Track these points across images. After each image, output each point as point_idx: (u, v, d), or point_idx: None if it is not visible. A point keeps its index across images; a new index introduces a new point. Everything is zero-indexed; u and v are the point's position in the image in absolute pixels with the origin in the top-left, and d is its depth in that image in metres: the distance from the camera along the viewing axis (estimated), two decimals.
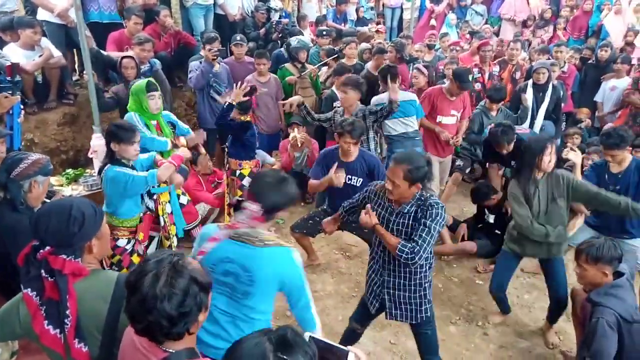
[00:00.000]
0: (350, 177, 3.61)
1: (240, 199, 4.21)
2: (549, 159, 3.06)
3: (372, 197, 2.66)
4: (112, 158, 3.04)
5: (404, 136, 4.63)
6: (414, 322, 2.66)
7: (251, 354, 1.13)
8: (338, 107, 4.48)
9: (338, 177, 3.39)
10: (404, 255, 2.36)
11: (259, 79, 5.37)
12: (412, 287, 2.56)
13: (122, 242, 3.20)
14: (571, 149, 3.63)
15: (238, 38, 5.75)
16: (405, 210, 2.44)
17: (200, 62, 5.18)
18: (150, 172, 3.08)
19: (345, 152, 3.58)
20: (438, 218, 2.37)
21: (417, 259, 2.36)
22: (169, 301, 1.28)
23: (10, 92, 3.30)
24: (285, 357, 1.12)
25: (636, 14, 8.18)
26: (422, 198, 2.42)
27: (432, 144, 4.87)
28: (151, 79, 3.84)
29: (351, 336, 2.98)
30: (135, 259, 3.29)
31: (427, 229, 2.36)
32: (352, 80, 4.29)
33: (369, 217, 2.48)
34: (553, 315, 3.49)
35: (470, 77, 4.55)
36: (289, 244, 2.11)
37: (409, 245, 2.36)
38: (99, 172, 3.12)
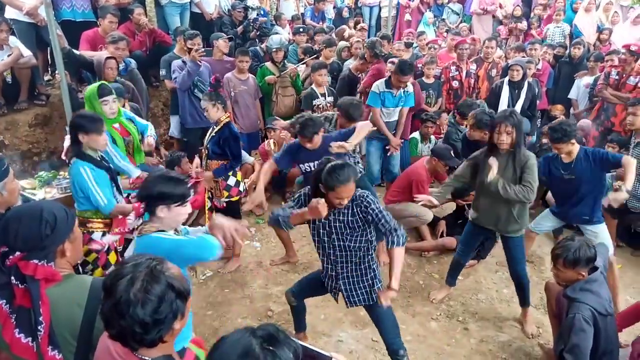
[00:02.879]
0: (315, 163, 3.60)
1: (227, 200, 4.15)
2: (498, 137, 3.21)
3: (305, 200, 2.71)
4: (78, 152, 2.90)
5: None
6: (371, 303, 2.81)
7: (237, 347, 1.12)
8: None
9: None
10: (402, 239, 2.61)
11: (238, 77, 5.34)
12: (363, 271, 2.77)
13: (97, 236, 3.08)
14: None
15: (224, 34, 5.77)
16: (345, 209, 2.63)
17: (184, 62, 5.08)
18: (109, 202, 2.93)
19: (304, 145, 3.62)
20: (376, 202, 2.62)
21: (400, 232, 2.62)
22: (143, 307, 1.24)
23: None
24: (271, 348, 1.12)
25: (605, 13, 8.37)
26: (353, 195, 2.61)
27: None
28: (104, 82, 3.68)
29: (298, 311, 3.21)
30: (112, 257, 3.18)
31: (382, 216, 2.59)
32: None
33: (322, 207, 2.52)
34: (521, 296, 3.60)
35: (451, 152, 4.62)
36: (159, 233, 2.08)
37: (396, 237, 2.60)
38: (68, 163, 3.02)
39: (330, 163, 2.54)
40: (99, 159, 2.99)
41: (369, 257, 2.76)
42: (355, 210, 2.61)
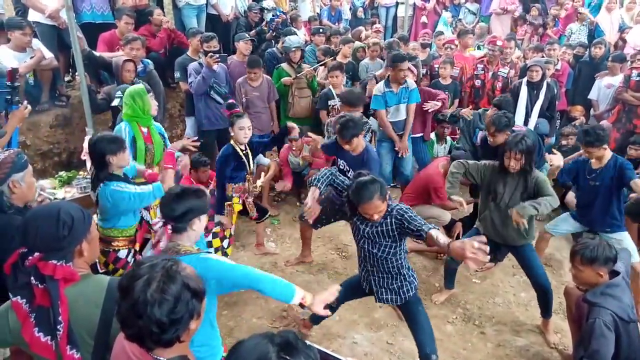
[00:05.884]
0: (350, 168, 3.70)
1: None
2: (508, 162, 3.28)
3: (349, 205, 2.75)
4: (107, 175, 2.89)
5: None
6: (399, 304, 2.88)
7: (253, 353, 1.11)
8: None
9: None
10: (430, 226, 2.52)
11: (250, 83, 5.27)
12: (393, 275, 2.80)
13: (122, 254, 3.10)
14: (553, 152, 3.92)
15: (246, 35, 5.76)
16: (382, 222, 2.65)
17: (201, 64, 5.10)
18: (155, 185, 2.97)
19: (342, 146, 3.62)
20: (410, 210, 2.62)
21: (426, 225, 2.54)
22: (160, 307, 1.25)
23: (9, 96, 3.29)
24: (288, 357, 1.11)
25: (629, 12, 8.19)
26: (389, 209, 2.63)
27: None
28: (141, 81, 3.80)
29: (330, 309, 3.20)
30: None
31: (413, 218, 2.56)
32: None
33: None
34: (542, 306, 3.52)
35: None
36: (205, 253, 2.09)
37: (427, 227, 2.49)
38: (93, 189, 2.98)
39: (357, 179, 2.56)
40: (123, 176, 3.00)
41: (399, 265, 2.77)
42: (388, 221, 2.63)
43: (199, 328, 1.67)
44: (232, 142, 3.88)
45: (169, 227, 2.07)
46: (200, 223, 2.12)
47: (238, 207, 4.02)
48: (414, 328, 2.82)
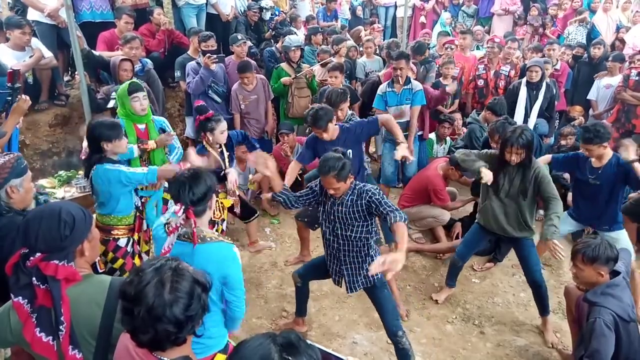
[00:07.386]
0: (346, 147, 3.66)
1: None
2: (509, 157, 3.28)
3: (318, 190, 2.92)
4: (101, 159, 2.92)
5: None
6: (369, 285, 2.95)
7: (256, 353, 1.12)
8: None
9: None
10: (403, 216, 2.60)
11: (246, 88, 5.24)
12: (363, 257, 2.91)
13: (122, 242, 3.12)
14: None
15: (239, 37, 5.66)
16: (346, 200, 2.78)
17: (199, 64, 5.08)
18: (150, 168, 2.98)
19: (321, 137, 3.58)
20: (379, 193, 2.73)
21: (400, 212, 2.63)
22: (177, 306, 1.27)
23: (9, 97, 3.27)
24: (290, 358, 1.12)
25: (624, 12, 8.22)
26: (356, 187, 2.78)
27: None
28: (135, 80, 3.69)
29: (301, 294, 3.38)
30: (137, 261, 3.22)
31: (382, 202, 2.68)
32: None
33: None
34: (539, 302, 3.53)
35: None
36: (230, 241, 2.17)
37: (398, 214, 2.59)
38: (87, 175, 3.01)
39: (325, 154, 2.70)
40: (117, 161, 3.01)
41: (368, 245, 2.89)
42: (357, 201, 2.74)
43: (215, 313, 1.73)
44: (205, 144, 3.77)
45: (191, 211, 2.03)
46: (213, 200, 2.16)
47: (228, 203, 3.97)
48: (381, 310, 2.96)
